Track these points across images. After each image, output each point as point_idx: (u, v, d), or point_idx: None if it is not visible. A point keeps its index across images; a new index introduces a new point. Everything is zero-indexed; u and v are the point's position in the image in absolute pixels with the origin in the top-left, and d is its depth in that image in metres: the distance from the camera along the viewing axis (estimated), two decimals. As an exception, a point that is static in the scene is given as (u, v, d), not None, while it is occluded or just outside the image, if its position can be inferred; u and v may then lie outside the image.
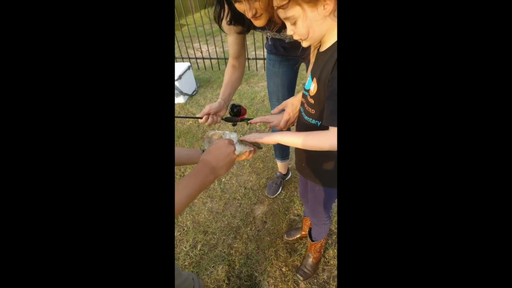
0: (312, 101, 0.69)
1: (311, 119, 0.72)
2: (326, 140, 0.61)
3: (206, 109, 0.92)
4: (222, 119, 0.98)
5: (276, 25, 0.64)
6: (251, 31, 0.92)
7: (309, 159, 0.84)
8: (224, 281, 1.21)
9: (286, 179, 1.67)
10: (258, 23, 0.74)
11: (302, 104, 0.78)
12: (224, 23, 0.87)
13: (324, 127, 0.65)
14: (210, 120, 0.92)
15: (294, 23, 0.58)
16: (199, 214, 1.53)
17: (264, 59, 2.73)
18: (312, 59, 0.74)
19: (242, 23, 0.84)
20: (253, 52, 3.20)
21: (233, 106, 0.97)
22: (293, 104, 0.83)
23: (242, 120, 1.00)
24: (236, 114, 0.98)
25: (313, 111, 0.70)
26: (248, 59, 2.93)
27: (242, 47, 1.00)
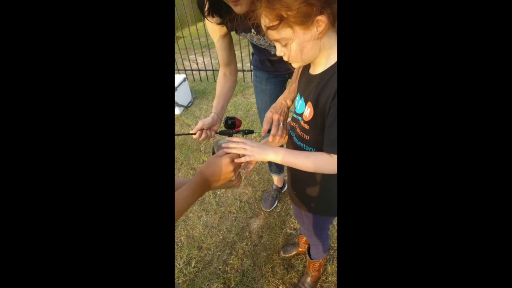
0: (306, 126, 0.66)
1: (305, 145, 0.68)
2: (329, 165, 0.59)
3: (199, 124, 0.90)
4: (217, 132, 0.95)
5: (258, 27, 0.62)
6: (245, 42, 0.91)
7: (296, 186, 0.82)
8: (219, 300, 1.16)
9: (282, 191, 1.64)
10: (238, 9, 0.70)
11: (293, 128, 0.74)
12: (207, 23, 0.84)
13: None
14: (203, 135, 0.90)
15: (285, 45, 0.55)
16: (193, 229, 1.49)
17: (259, 70, 2.75)
18: (296, 77, 0.72)
19: (222, 14, 0.81)
20: (248, 64, 3.23)
21: (228, 118, 0.95)
22: (271, 118, 0.78)
23: (237, 132, 0.98)
24: (231, 126, 0.95)
25: (307, 137, 0.66)
26: (244, 70, 2.95)
27: (231, 52, 0.97)
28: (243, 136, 0.98)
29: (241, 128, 0.99)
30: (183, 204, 0.56)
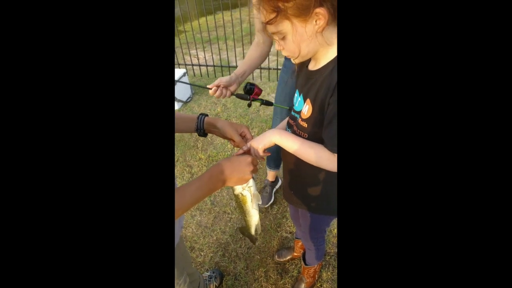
0: (304, 124, 0.64)
1: None
2: (328, 162, 0.59)
3: (217, 81, 0.91)
4: (233, 94, 0.96)
5: None
6: None
7: (295, 185, 0.79)
8: (209, 303, 1.12)
9: (276, 187, 1.60)
10: None
11: (290, 126, 0.72)
12: None
13: None
14: (218, 92, 0.92)
15: (283, 38, 0.54)
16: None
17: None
18: (298, 76, 0.69)
19: None
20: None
21: (248, 84, 0.97)
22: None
23: (254, 99, 0.97)
24: (249, 92, 0.96)
25: (305, 135, 0.65)
26: (278, 69, 2.88)
27: None
28: (260, 106, 1.00)
29: (261, 97, 1.00)
30: (188, 197, 0.52)
